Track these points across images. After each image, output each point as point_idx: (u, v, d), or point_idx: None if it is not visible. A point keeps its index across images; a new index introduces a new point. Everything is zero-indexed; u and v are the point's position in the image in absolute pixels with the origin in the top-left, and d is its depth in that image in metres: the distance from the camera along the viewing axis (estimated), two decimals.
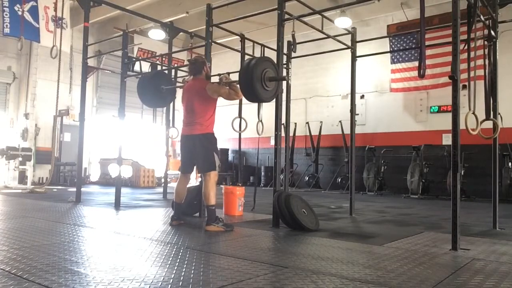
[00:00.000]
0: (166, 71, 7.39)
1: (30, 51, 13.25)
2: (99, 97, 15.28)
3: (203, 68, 4.82)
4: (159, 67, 8.39)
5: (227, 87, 4.70)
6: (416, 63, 10.75)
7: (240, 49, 6.38)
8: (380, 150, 11.43)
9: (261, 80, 4.20)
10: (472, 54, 4.15)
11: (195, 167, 4.83)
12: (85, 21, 7.52)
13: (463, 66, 3.87)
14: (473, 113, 4.04)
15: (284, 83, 5.44)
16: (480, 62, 4.61)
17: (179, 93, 5.77)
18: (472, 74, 4.09)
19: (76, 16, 11.55)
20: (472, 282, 2.57)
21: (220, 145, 15.54)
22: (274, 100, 4.77)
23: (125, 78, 7.07)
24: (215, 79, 7.25)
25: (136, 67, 7.75)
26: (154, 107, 5.92)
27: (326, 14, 5.87)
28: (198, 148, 4.61)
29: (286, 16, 4.89)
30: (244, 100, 6.41)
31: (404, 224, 5.40)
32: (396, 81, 11.71)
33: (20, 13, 9.99)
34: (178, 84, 6.10)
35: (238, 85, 4.51)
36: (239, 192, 5.88)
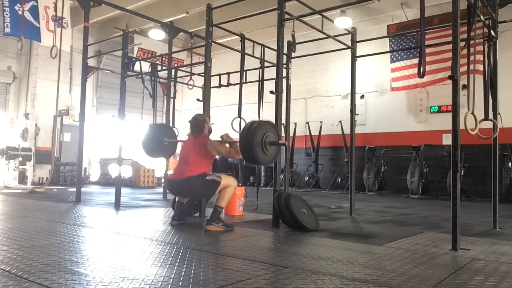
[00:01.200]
0: (169, 125, 7.39)
1: (30, 51, 13.25)
2: (99, 97, 15.28)
3: (204, 125, 4.84)
4: (159, 67, 8.39)
5: (228, 146, 4.71)
6: (415, 60, 10.80)
7: (240, 49, 6.38)
8: (380, 150, 11.43)
9: (261, 145, 4.23)
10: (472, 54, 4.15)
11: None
12: (85, 21, 7.52)
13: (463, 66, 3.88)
14: (472, 113, 4.04)
15: (284, 83, 5.44)
16: (480, 62, 4.62)
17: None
18: (471, 74, 4.09)
19: (76, 16, 11.55)
20: (472, 282, 2.57)
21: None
22: (274, 100, 4.78)
23: (125, 78, 7.07)
24: (215, 79, 7.27)
25: (136, 67, 7.76)
26: (155, 157, 6.09)
27: (326, 14, 5.87)
28: (188, 191, 4.62)
29: (286, 16, 4.89)
30: (244, 100, 6.44)
31: (404, 224, 5.40)
32: (396, 80, 11.71)
33: (20, 12, 9.99)
34: (179, 139, 6.22)
35: (238, 145, 4.52)
36: (239, 192, 5.88)
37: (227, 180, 4.59)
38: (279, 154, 4.63)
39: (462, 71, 3.77)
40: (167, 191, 4.97)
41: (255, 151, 4.18)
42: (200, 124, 4.82)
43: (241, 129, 4.51)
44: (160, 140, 5.72)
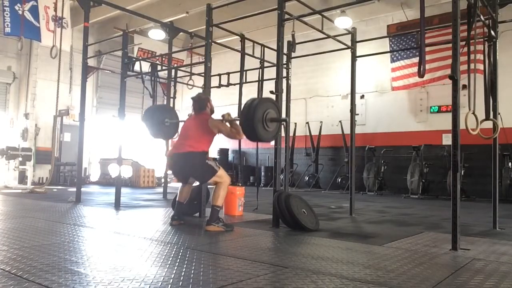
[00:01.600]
0: (170, 106, 7.41)
1: (30, 51, 13.26)
2: (99, 97, 15.29)
3: (207, 104, 4.83)
4: (159, 67, 8.39)
5: (229, 125, 4.71)
6: (414, 59, 10.80)
7: (240, 49, 6.38)
8: (380, 150, 11.43)
9: (262, 121, 4.23)
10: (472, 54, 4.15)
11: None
12: (85, 21, 7.52)
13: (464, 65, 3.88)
14: (473, 113, 4.04)
15: (284, 83, 5.45)
16: (480, 61, 4.62)
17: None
18: (472, 74, 4.09)
19: (76, 16, 11.55)
20: (472, 282, 2.57)
21: (220, 145, 15.57)
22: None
23: (125, 78, 7.07)
24: (215, 79, 7.26)
25: (136, 67, 7.75)
26: (157, 138, 6.08)
27: (326, 14, 5.87)
28: (188, 166, 4.60)
29: (286, 16, 4.89)
30: (244, 100, 6.41)
31: (404, 224, 5.40)
32: (396, 79, 11.70)
33: (20, 12, 9.99)
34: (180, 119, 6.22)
35: (239, 124, 4.52)
36: (239, 192, 5.88)
37: (222, 172, 4.59)
38: (280, 130, 4.61)
39: (462, 70, 3.77)
40: (168, 169, 4.94)
41: (256, 127, 4.18)
42: (203, 102, 4.81)
43: (242, 107, 4.49)
44: (162, 121, 5.71)
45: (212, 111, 4.92)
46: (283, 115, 5.06)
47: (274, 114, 4.37)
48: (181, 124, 5.37)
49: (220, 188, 4.52)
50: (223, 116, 4.75)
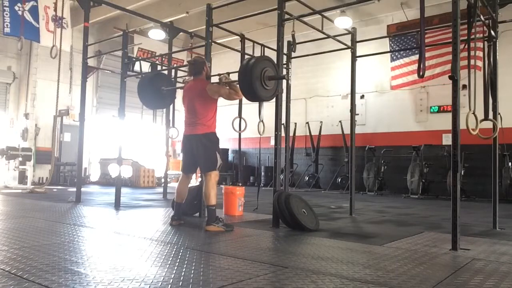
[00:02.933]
0: (166, 72, 7.37)
1: (30, 51, 13.25)
2: (99, 97, 15.27)
3: (203, 68, 4.82)
4: (159, 67, 8.39)
5: (227, 87, 4.71)
6: (413, 57, 10.79)
7: (240, 49, 6.38)
8: (380, 150, 11.43)
9: (260, 79, 4.20)
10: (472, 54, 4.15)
11: (197, 168, 4.83)
12: (85, 21, 7.52)
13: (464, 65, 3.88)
14: (473, 113, 4.04)
15: (284, 83, 5.44)
16: (479, 58, 4.61)
17: (179, 93, 5.75)
18: (472, 74, 4.09)
19: (76, 16, 11.55)
20: (472, 282, 2.57)
21: (221, 145, 15.54)
22: (274, 100, 4.77)
23: (125, 78, 7.07)
24: (215, 79, 7.26)
25: (136, 67, 7.74)
26: (154, 108, 5.91)
27: (326, 14, 5.87)
28: (200, 148, 4.61)
29: (286, 16, 4.89)
30: (244, 100, 6.42)
31: (404, 224, 5.40)
32: (396, 78, 11.71)
33: (20, 12, 9.99)
34: (178, 85, 6.09)
35: (238, 85, 4.51)
36: (239, 192, 5.88)
37: (216, 172, 4.58)
38: (279, 89, 4.59)
39: (462, 71, 3.77)
40: (182, 151, 4.91)
41: (254, 85, 4.15)
42: (199, 65, 4.79)
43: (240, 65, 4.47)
44: (158, 89, 5.64)
45: (208, 76, 4.91)
46: (283, 114, 5.06)
47: (272, 72, 4.34)
48: (179, 92, 5.29)
49: (208, 186, 4.51)
50: (220, 78, 4.74)
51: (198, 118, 4.64)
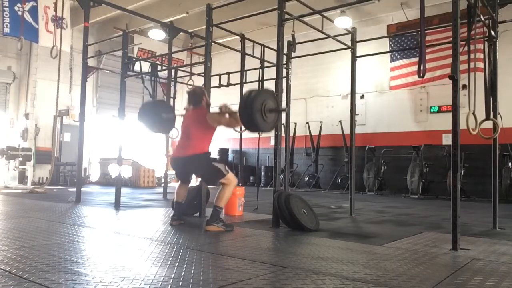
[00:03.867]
0: (166, 100, 7.38)
1: (30, 51, 13.26)
2: (99, 97, 15.28)
3: (202, 98, 4.82)
4: (159, 67, 8.39)
5: (227, 116, 4.70)
6: (414, 59, 10.80)
7: (240, 49, 6.38)
8: (380, 150, 11.43)
9: (261, 112, 4.21)
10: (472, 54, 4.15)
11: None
12: (85, 21, 7.52)
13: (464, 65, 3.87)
14: (473, 113, 4.04)
15: (284, 83, 5.44)
16: (480, 60, 4.62)
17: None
18: (472, 74, 4.09)
19: (76, 16, 11.54)
20: (472, 282, 2.57)
21: (221, 145, 15.57)
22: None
23: (125, 78, 7.08)
24: (215, 79, 7.26)
25: (136, 67, 7.76)
26: (154, 132, 6.03)
27: (326, 14, 5.87)
28: (193, 169, 4.63)
29: (286, 16, 4.89)
30: None
31: (404, 224, 5.40)
32: (395, 78, 11.72)
33: (20, 13, 9.99)
34: (177, 113, 6.20)
35: (237, 115, 4.51)
36: (239, 192, 5.88)
37: (231, 176, 4.57)
38: (279, 120, 4.60)
39: (462, 70, 3.77)
40: (173, 170, 4.94)
41: (254, 117, 4.15)
42: (198, 96, 4.80)
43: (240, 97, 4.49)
44: (158, 115, 5.67)
45: (208, 105, 4.91)
46: (283, 118, 5.05)
47: (273, 105, 4.36)
48: (178, 119, 5.34)
49: (226, 190, 4.52)
50: (220, 108, 4.75)
51: (190, 141, 4.61)
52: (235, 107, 4.39)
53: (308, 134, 13.45)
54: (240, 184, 6.60)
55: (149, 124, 5.65)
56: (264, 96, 4.29)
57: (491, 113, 4.74)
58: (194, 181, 8.41)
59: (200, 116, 4.68)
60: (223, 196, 4.50)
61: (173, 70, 8.53)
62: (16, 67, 13.43)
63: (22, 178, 12.44)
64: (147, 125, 5.65)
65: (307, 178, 13.20)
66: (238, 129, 5.21)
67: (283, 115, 5.06)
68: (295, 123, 13.09)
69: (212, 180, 4.64)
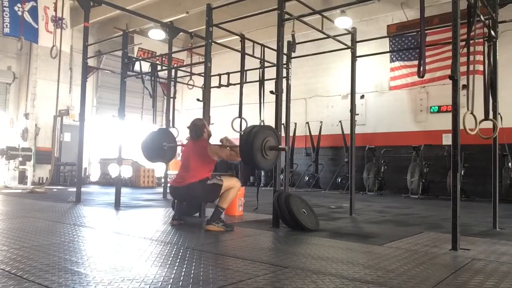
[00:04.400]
0: (169, 130, 7.36)
1: (30, 51, 13.25)
2: (99, 97, 15.29)
3: (203, 130, 4.82)
4: (159, 67, 8.39)
5: (228, 149, 4.72)
6: (414, 61, 10.81)
7: (240, 49, 6.38)
8: (380, 150, 11.43)
9: (261, 150, 4.23)
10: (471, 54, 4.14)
11: None
12: (85, 21, 7.52)
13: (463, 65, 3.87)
14: (471, 113, 4.04)
15: (284, 83, 5.44)
16: (480, 62, 4.62)
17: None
18: (471, 74, 4.09)
19: (76, 16, 11.54)
20: (472, 282, 2.57)
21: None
22: (274, 100, 4.77)
23: (125, 78, 7.07)
24: (215, 79, 7.27)
25: (136, 67, 7.76)
26: (156, 162, 6.11)
27: (326, 14, 5.87)
28: (191, 196, 4.67)
29: (286, 16, 4.89)
30: (244, 100, 6.43)
31: (404, 224, 5.40)
32: (394, 79, 11.73)
33: (20, 13, 9.99)
34: (178, 143, 6.22)
35: (238, 148, 4.51)
36: (239, 192, 5.87)
37: (229, 182, 4.58)
38: (279, 158, 4.63)
39: (462, 71, 3.77)
40: (170, 195, 4.99)
41: (255, 155, 4.18)
42: (199, 129, 4.80)
43: (241, 133, 4.52)
44: (160, 145, 5.71)
45: (209, 136, 4.93)
46: (283, 118, 5.06)
47: (273, 142, 4.37)
48: (179, 148, 5.39)
49: (230, 192, 4.55)
50: (221, 141, 4.77)
51: (189, 172, 4.60)
52: (236, 142, 4.42)
53: (308, 134, 13.45)
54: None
55: (150, 154, 5.69)
56: (266, 133, 4.30)
57: (491, 113, 4.73)
58: None
59: (200, 148, 4.68)
60: (227, 197, 4.52)
61: (173, 70, 8.52)
62: (16, 67, 13.43)
63: (22, 178, 12.44)
64: (148, 155, 5.69)
65: (307, 178, 13.20)
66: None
67: (283, 115, 5.06)
68: (295, 123, 13.09)
69: (212, 197, 4.66)
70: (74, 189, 7.72)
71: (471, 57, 4.12)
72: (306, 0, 5.24)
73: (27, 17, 10.12)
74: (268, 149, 4.28)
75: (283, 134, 5.17)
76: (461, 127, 3.75)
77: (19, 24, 9.73)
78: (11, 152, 11.76)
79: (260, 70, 6.68)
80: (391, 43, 11.42)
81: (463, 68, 3.86)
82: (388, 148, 11.55)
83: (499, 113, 5.02)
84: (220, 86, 7.76)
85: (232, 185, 4.58)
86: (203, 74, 5.94)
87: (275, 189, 4.85)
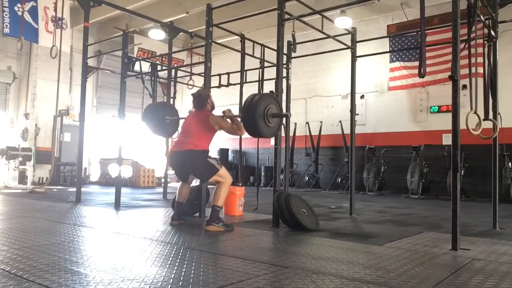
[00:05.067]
0: (171, 103, 7.40)
1: (30, 51, 13.25)
2: (99, 97, 15.29)
3: (207, 101, 4.83)
4: (159, 67, 8.39)
5: (230, 122, 4.70)
6: (414, 62, 10.82)
7: (240, 49, 6.38)
8: (380, 150, 11.43)
9: (264, 117, 4.21)
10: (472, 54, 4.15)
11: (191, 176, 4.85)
12: (85, 21, 7.52)
13: (464, 65, 3.87)
14: (475, 112, 4.04)
15: (284, 83, 5.44)
16: (480, 64, 4.61)
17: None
18: (472, 73, 4.09)
19: (76, 16, 11.55)
20: (472, 282, 2.57)
21: (221, 145, 15.56)
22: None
23: (125, 78, 7.07)
24: (215, 79, 7.26)
25: (136, 67, 7.75)
26: (157, 135, 6.07)
27: (326, 14, 5.87)
28: (190, 164, 4.59)
29: (286, 16, 4.89)
30: (244, 100, 6.39)
31: (404, 224, 5.40)
32: (394, 79, 11.73)
33: (20, 13, 9.99)
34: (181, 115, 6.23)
35: (240, 121, 4.51)
36: (239, 192, 5.88)
37: (224, 172, 4.56)
38: (281, 127, 4.61)
39: (462, 72, 3.77)
40: (168, 166, 4.92)
41: (257, 123, 4.16)
42: (203, 98, 4.80)
43: (243, 103, 4.49)
44: (162, 118, 5.69)
45: (212, 107, 4.92)
46: (283, 122, 5.05)
47: (275, 110, 4.36)
48: (181, 122, 5.36)
49: (221, 188, 4.51)
50: (224, 112, 4.75)
51: (190, 139, 4.60)
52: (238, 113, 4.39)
53: (308, 134, 13.45)
54: (240, 184, 6.61)
55: (152, 126, 5.67)
56: (267, 101, 4.30)
57: (491, 113, 4.73)
58: (195, 181, 8.41)
59: (203, 116, 4.69)
60: (220, 194, 4.49)
61: (173, 70, 8.52)
62: (16, 67, 13.43)
63: (22, 178, 12.43)
64: (150, 127, 5.67)
65: (307, 178, 13.20)
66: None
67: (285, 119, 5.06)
68: (295, 123, 13.09)
69: (206, 175, 4.60)
70: (74, 189, 7.72)
71: (472, 58, 4.12)
72: (306, 0, 5.24)
73: (27, 17, 10.13)
74: (270, 116, 4.26)
75: (283, 134, 5.16)
76: (463, 127, 3.76)
77: (19, 24, 9.73)
78: (11, 152, 11.76)
79: (260, 70, 6.68)
80: (391, 43, 11.43)
81: (463, 69, 3.86)
82: (388, 148, 11.55)
83: (499, 113, 5.02)
84: (220, 86, 7.76)
85: (225, 176, 4.52)
86: (203, 74, 5.94)
87: (275, 189, 4.85)
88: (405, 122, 11.98)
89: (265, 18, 7.98)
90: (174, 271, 2.66)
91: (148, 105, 6.09)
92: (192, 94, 4.91)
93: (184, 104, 15.36)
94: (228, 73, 7.74)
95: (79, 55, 8.08)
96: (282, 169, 6.31)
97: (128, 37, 7.56)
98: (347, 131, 9.93)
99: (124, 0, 10.42)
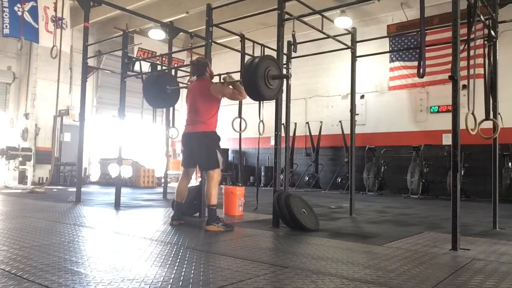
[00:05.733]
0: (171, 71, 7.39)
1: (30, 51, 13.25)
2: (99, 97, 15.27)
3: (206, 69, 4.84)
4: (159, 67, 8.39)
5: (231, 87, 4.72)
6: (414, 62, 10.82)
7: (240, 49, 6.38)
8: (380, 150, 11.43)
9: (264, 78, 4.20)
10: (472, 54, 4.15)
11: (196, 165, 4.86)
12: (85, 21, 7.53)
13: (463, 65, 3.87)
14: (472, 113, 4.04)
15: (284, 83, 5.44)
16: (480, 61, 4.61)
17: (183, 92, 5.76)
18: (471, 74, 4.09)
19: (76, 16, 11.54)
20: (472, 282, 2.57)
21: (221, 145, 15.55)
22: (274, 100, 4.77)
23: (125, 78, 7.07)
24: (215, 79, 7.26)
25: (136, 67, 7.75)
26: (158, 107, 6.00)
27: (326, 14, 5.87)
28: (200, 146, 4.62)
29: (286, 16, 4.89)
30: (244, 100, 6.40)
31: (404, 224, 5.40)
32: (394, 79, 11.74)
33: (20, 13, 9.98)
34: (181, 85, 6.15)
35: (241, 85, 4.53)
36: (239, 192, 5.88)
37: (219, 171, 4.59)
38: (282, 88, 4.60)
39: (462, 73, 3.77)
40: (182, 145, 4.92)
41: (258, 85, 4.16)
42: (201, 66, 4.82)
43: (244, 64, 4.49)
44: (163, 89, 5.68)
45: (211, 76, 4.94)
46: (283, 114, 5.06)
47: (276, 71, 4.35)
48: (183, 92, 5.32)
49: (210, 186, 4.51)
50: (224, 79, 4.77)
51: (199, 117, 4.65)
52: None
53: (308, 134, 13.45)
54: (240, 184, 6.61)
55: (154, 98, 5.64)
56: (267, 63, 4.28)
57: (491, 113, 4.73)
58: (194, 181, 8.42)
59: (204, 88, 4.69)
60: (210, 192, 4.49)
61: (173, 70, 8.52)
62: (16, 67, 13.42)
63: (22, 178, 12.43)
64: (152, 99, 5.64)
65: (307, 178, 13.20)
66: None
67: (283, 115, 5.06)
68: (295, 123, 13.09)
69: (208, 166, 4.60)
70: (74, 189, 7.72)
71: (471, 58, 4.12)
72: (306, 0, 5.24)
73: (27, 17, 10.12)
74: (271, 78, 4.25)
75: (283, 134, 5.16)
76: (463, 127, 3.76)
77: (19, 25, 9.71)
78: (11, 152, 11.76)
79: None
80: (391, 43, 11.43)
81: (463, 68, 3.86)
82: (388, 148, 11.55)
83: (499, 113, 5.02)
84: None
85: (212, 176, 4.51)
86: None
87: (275, 189, 4.85)
88: (405, 122, 11.99)
89: (265, 18, 7.98)
90: (174, 271, 2.66)
91: (147, 77, 5.98)
92: (191, 61, 4.95)
93: (184, 104, 15.33)
94: (228, 73, 7.73)
95: (79, 55, 8.08)
96: (282, 169, 6.31)
97: (128, 37, 7.55)
98: (347, 131, 9.93)
99: (124, 0, 10.42)
